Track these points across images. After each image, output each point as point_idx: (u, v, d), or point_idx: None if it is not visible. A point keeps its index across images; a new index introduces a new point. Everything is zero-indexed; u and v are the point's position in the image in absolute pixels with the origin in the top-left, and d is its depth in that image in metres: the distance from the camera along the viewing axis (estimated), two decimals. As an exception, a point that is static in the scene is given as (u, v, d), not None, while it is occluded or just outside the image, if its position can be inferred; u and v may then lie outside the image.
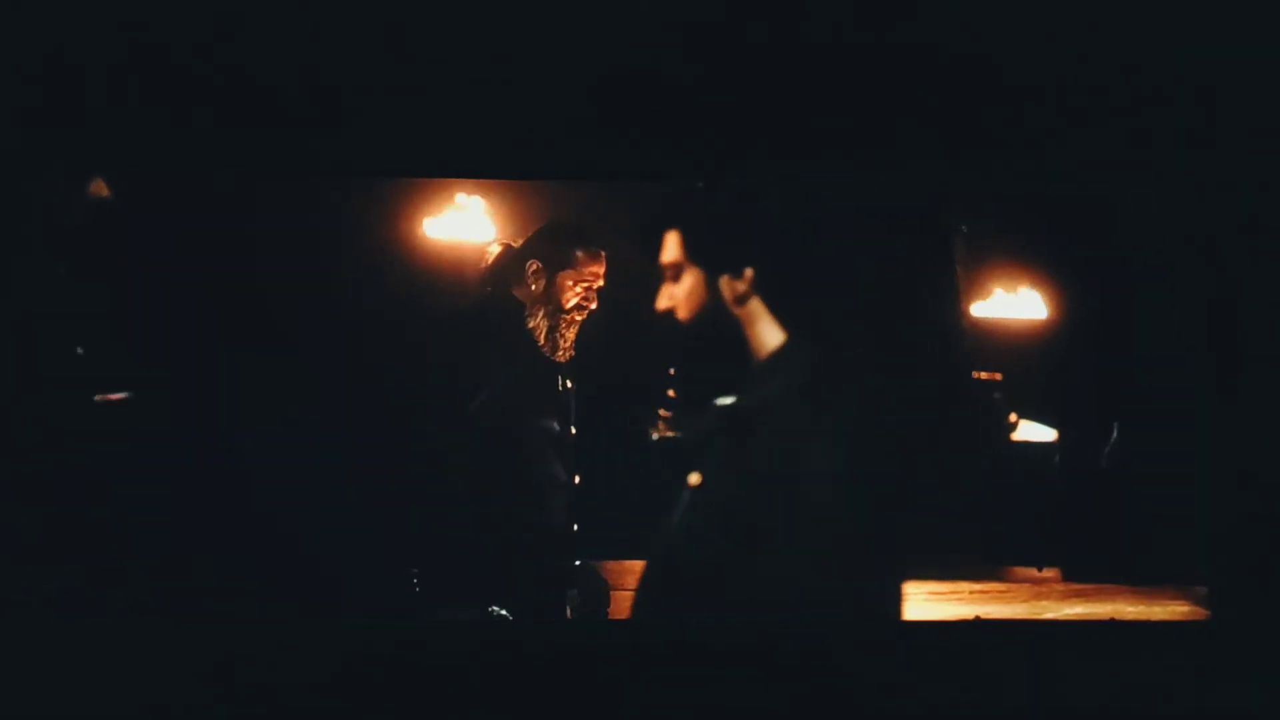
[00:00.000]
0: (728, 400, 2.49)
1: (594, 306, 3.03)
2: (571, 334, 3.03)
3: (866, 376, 2.48)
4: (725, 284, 2.44)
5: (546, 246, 3.05)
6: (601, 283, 3.04)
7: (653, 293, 2.77)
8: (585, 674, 2.89)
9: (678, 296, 2.50)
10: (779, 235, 2.55)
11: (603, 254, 3.03)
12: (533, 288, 3.03)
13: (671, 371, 2.86)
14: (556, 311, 3.02)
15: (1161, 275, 3.11)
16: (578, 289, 3.01)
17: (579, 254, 3.02)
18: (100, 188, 3.03)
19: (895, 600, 2.50)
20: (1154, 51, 3.02)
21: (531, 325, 3.02)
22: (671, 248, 2.51)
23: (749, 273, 2.42)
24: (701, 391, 2.60)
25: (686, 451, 2.53)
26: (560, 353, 3.03)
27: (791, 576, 2.39)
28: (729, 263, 2.44)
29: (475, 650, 2.91)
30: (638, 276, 2.95)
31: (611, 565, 3.10)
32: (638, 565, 3.10)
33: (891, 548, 2.45)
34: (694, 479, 2.43)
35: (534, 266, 3.03)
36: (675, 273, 2.50)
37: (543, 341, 3.02)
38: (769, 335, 2.41)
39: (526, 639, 2.96)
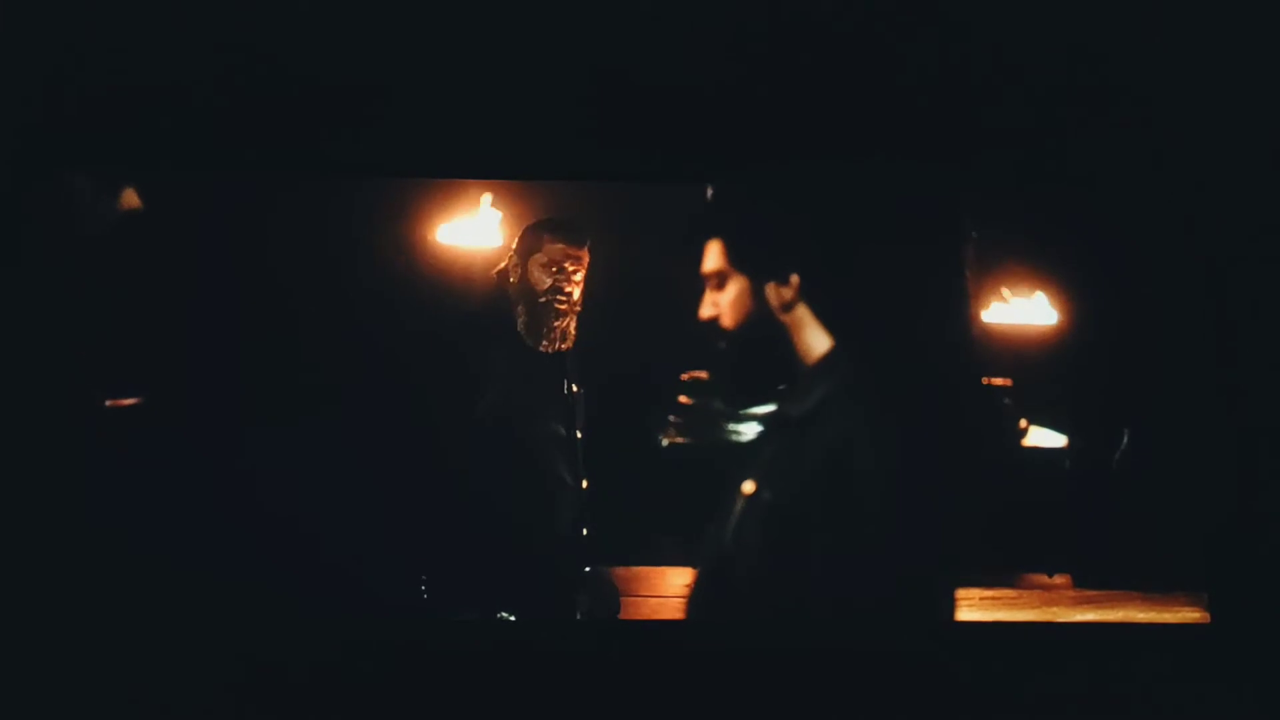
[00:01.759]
0: (779, 407, 2.50)
1: (571, 291, 3.03)
2: (560, 323, 3.04)
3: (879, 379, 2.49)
4: (772, 291, 2.45)
5: (521, 238, 3.07)
6: (579, 269, 3.04)
7: (665, 294, 2.79)
8: (591, 677, 2.89)
9: (722, 304, 2.51)
10: (820, 240, 2.56)
11: (577, 239, 3.05)
12: (512, 280, 3.05)
13: (684, 377, 2.87)
14: (533, 298, 3.04)
15: (1172, 281, 3.11)
16: (551, 271, 3.03)
17: (546, 238, 3.05)
18: (130, 198, 3.05)
19: (942, 603, 2.52)
20: (1157, 51, 3.04)
21: (516, 316, 3.05)
22: (714, 255, 2.53)
23: (795, 279, 2.43)
24: (750, 398, 2.62)
25: (737, 457, 2.54)
26: (546, 342, 3.04)
27: (843, 582, 2.40)
28: (776, 269, 2.45)
29: (477, 651, 2.91)
30: (652, 279, 2.98)
31: (622, 571, 3.10)
32: (649, 571, 3.12)
33: (936, 551, 2.47)
34: (748, 487, 2.43)
35: (511, 259, 3.06)
36: (719, 280, 2.51)
37: (525, 331, 3.03)
38: (817, 341, 2.42)
39: (530, 640, 2.95)
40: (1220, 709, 2.87)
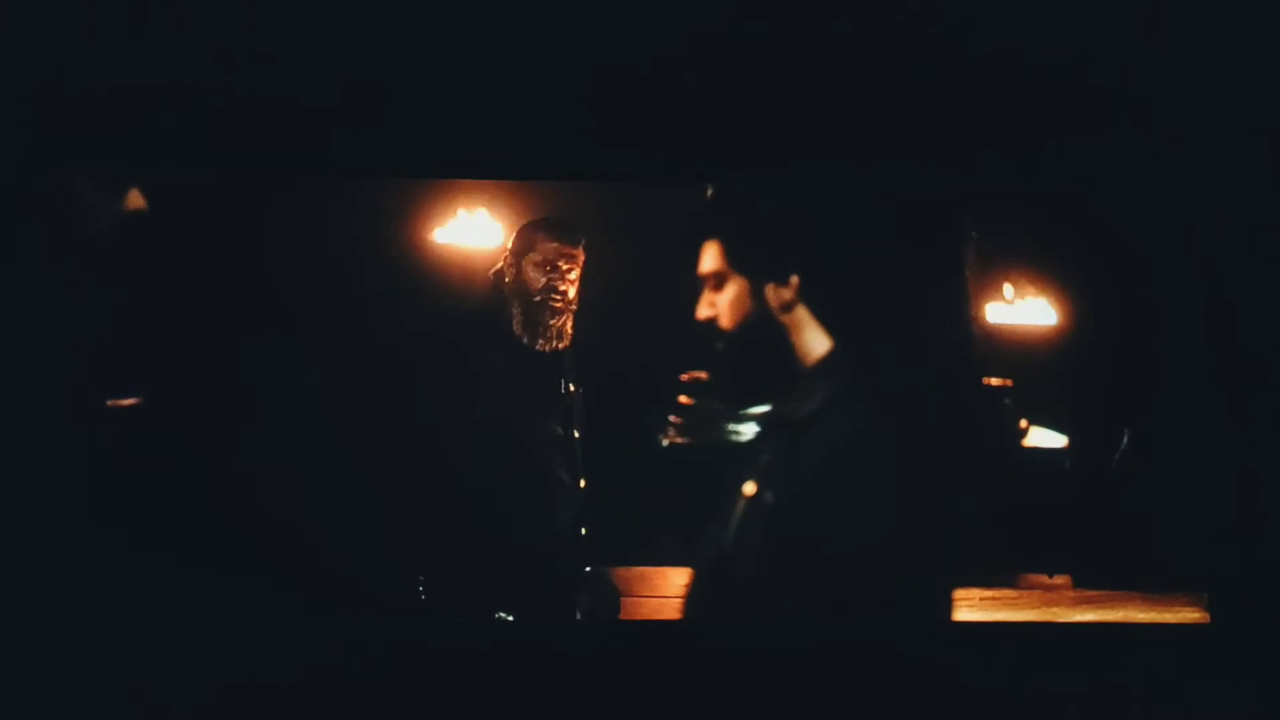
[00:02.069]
0: (779, 408, 2.50)
1: (566, 290, 3.03)
2: (556, 321, 3.03)
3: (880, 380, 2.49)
4: (771, 292, 2.45)
5: (516, 237, 3.08)
6: (573, 267, 3.04)
7: (665, 294, 2.80)
8: (591, 677, 2.90)
9: (720, 305, 2.51)
10: (820, 240, 2.57)
11: (571, 238, 3.05)
12: (507, 279, 3.06)
13: (684, 378, 2.88)
14: (528, 297, 3.04)
15: (1172, 281, 3.12)
16: (545, 270, 3.03)
17: (539, 237, 3.05)
18: (131, 198, 3.06)
19: (942, 603, 2.52)
20: (1157, 51, 3.04)
21: (511, 316, 3.05)
22: (713, 256, 2.53)
23: (795, 280, 2.44)
24: (747, 400, 2.62)
25: (737, 458, 2.54)
26: (543, 340, 3.03)
27: (843, 582, 2.41)
28: (775, 270, 2.45)
29: (477, 651, 2.91)
30: (652, 279, 2.99)
31: (622, 571, 3.10)
32: (650, 571, 3.12)
33: (936, 551, 2.47)
34: (749, 488, 2.43)
35: (507, 259, 3.06)
36: (718, 281, 2.52)
37: (521, 330, 3.03)
38: (816, 342, 2.42)
39: (530, 640, 2.96)
40: (1220, 709, 2.87)
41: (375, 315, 3.14)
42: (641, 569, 3.12)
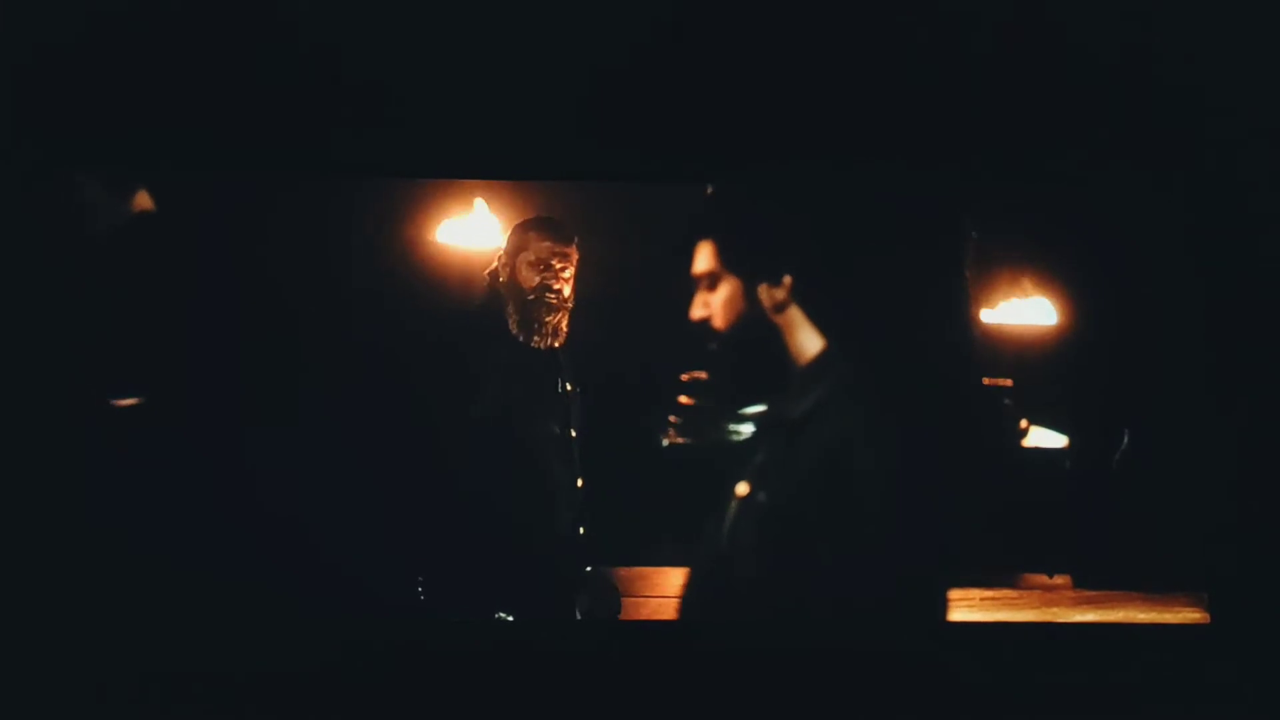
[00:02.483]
0: (773, 408, 2.50)
1: (561, 288, 3.03)
2: (551, 319, 3.03)
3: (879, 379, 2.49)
4: (764, 292, 2.45)
5: (509, 237, 3.08)
6: (567, 266, 3.04)
7: (664, 294, 2.80)
8: (591, 677, 2.90)
9: (714, 305, 2.51)
10: (820, 240, 2.57)
11: (563, 237, 3.04)
12: (502, 279, 3.06)
13: (684, 378, 2.88)
14: (523, 295, 3.04)
15: (1172, 281, 3.12)
16: (539, 268, 3.03)
17: (532, 235, 3.05)
18: (131, 198, 3.06)
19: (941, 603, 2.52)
20: (1157, 51, 3.05)
21: (507, 315, 3.05)
22: (706, 256, 2.52)
23: (788, 280, 2.43)
24: (743, 400, 2.63)
25: (736, 458, 2.54)
26: (538, 338, 3.03)
27: (843, 582, 2.41)
28: (768, 270, 2.45)
29: (477, 651, 2.91)
30: (651, 279, 2.99)
31: (623, 571, 3.10)
32: (650, 571, 3.12)
33: (936, 551, 2.47)
34: (742, 489, 2.43)
35: (501, 258, 3.06)
36: (711, 281, 2.51)
37: (517, 328, 3.04)
38: (809, 342, 2.42)
39: (530, 640, 2.96)
40: (1220, 709, 2.87)
41: (374, 315, 3.15)
42: (641, 569, 3.12)
